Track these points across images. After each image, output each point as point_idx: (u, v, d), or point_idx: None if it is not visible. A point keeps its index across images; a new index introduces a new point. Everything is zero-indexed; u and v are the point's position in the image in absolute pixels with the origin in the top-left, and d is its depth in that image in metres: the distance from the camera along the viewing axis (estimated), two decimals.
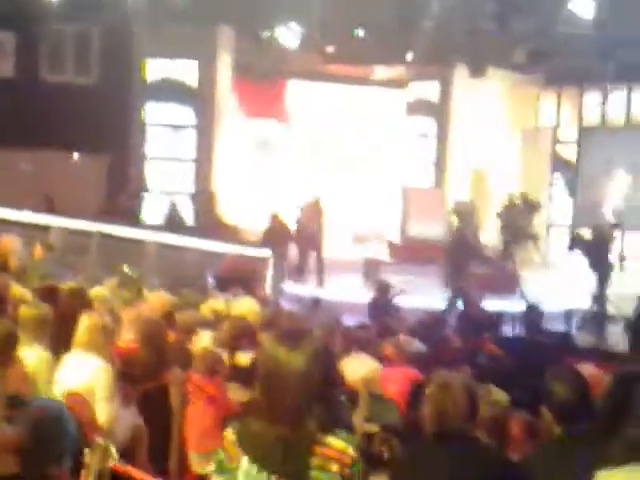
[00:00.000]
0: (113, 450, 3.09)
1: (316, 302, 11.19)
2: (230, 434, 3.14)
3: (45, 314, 5.63)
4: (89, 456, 3.07)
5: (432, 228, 18.76)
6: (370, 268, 16.88)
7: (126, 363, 5.60)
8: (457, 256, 14.71)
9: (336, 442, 3.05)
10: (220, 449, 3.17)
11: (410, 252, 17.50)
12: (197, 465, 5.37)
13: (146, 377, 5.53)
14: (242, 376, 5.82)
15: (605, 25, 14.87)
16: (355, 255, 18.49)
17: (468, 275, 15.12)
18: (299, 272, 15.96)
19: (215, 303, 8.47)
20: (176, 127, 18.89)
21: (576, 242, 16.05)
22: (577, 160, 21.81)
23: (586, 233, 14.82)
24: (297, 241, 15.89)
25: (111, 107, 17.88)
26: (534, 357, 6.87)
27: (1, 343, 4.80)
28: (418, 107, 21.09)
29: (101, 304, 7.09)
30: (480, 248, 16.50)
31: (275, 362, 3.03)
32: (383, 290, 11.87)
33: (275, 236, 15.61)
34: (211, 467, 3.22)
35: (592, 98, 20.53)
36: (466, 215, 17.89)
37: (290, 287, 15.94)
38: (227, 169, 19.34)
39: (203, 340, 6.75)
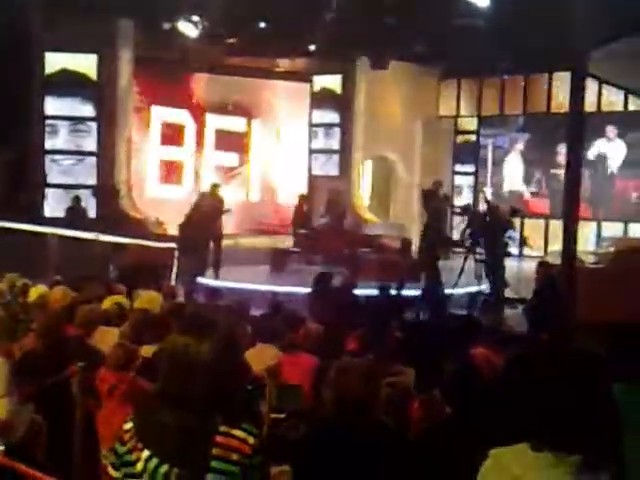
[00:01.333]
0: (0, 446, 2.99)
1: (219, 292, 11.10)
2: (128, 426, 3.08)
3: None
4: None
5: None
6: (277, 258, 16.86)
7: (24, 358, 5.44)
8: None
9: (237, 432, 3.02)
10: (119, 442, 3.10)
11: (316, 241, 17.54)
12: None
13: (45, 372, 5.39)
14: (146, 369, 5.72)
15: (501, 15, 15.15)
16: (261, 245, 18.49)
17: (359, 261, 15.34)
18: (202, 263, 15.77)
19: (118, 297, 8.33)
20: (77, 120, 18.48)
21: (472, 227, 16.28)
22: (476, 149, 22.30)
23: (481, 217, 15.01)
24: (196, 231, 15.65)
25: (10, 101, 17.41)
26: (435, 340, 6.97)
27: None
28: (322, 99, 21.15)
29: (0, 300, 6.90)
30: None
31: (181, 352, 2.99)
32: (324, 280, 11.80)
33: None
34: (111, 460, 3.16)
35: (490, 88, 20.97)
36: (335, 202, 18.08)
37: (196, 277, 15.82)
38: (131, 161, 19.07)
39: (108, 335, 6.62)
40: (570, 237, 7.95)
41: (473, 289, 13.53)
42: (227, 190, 18.42)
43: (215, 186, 16.64)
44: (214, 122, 20.72)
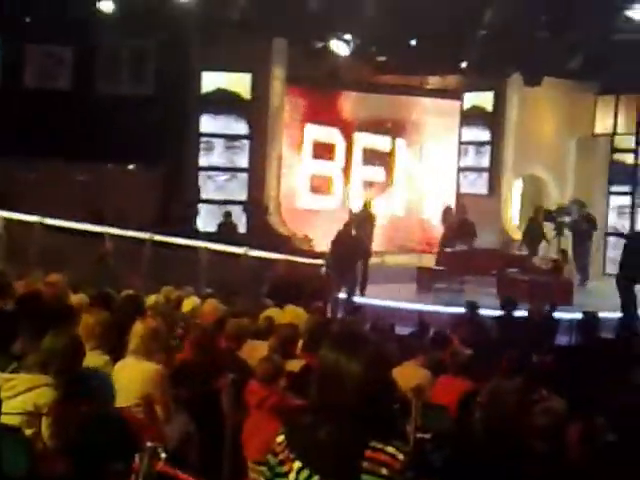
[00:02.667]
0: (162, 453, 3.10)
1: (364, 310, 11.17)
2: (281, 438, 3.13)
3: (106, 320, 5.69)
4: (139, 459, 3.09)
5: (487, 236, 18.64)
6: (423, 276, 16.81)
7: (179, 367, 5.64)
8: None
9: (387, 447, 3.02)
10: (271, 454, 3.16)
11: (464, 261, 17.39)
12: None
13: (197, 382, 5.56)
14: (294, 383, 5.81)
15: None
16: (407, 263, 18.48)
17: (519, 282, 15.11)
18: (351, 280, 15.90)
19: (268, 311, 8.51)
20: (230, 138, 19.04)
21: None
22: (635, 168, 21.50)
23: None
24: (348, 248, 15.83)
25: (166, 118, 18.12)
26: (589, 365, 6.77)
27: (69, 355, 4.70)
28: (473, 116, 20.97)
29: (156, 312, 7.17)
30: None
31: (332, 366, 3.03)
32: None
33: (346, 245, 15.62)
34: (262, 471, 3.22)
35: None
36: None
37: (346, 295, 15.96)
38: (283, 178, 19.44)
39: (257, 348, 6.76)
40: None
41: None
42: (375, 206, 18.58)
43: (368, 201, 16.86)
44: (362, 140, 20.90)
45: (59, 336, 4.72)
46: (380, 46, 18.65)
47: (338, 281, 15.04)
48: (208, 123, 18.96)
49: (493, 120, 20.61)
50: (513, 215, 21.28)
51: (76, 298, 7.54)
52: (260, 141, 18.95)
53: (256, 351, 6.64)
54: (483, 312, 12.71)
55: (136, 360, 5.31)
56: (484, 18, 16.13)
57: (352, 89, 20.58)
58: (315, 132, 20.39)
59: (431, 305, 14.13)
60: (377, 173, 21.24)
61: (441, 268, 17.41)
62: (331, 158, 20.61)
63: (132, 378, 5.15)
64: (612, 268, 20.97)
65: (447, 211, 19.48)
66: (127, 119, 17.41)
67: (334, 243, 15.84)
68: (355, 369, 2.98)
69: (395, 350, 7.53)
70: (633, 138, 21.27)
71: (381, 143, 21.19)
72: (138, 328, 5.45)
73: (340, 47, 17.69)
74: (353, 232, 16.00)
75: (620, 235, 17.17)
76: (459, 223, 18.42)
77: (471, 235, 17.80)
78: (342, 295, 15.11)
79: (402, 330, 10.44)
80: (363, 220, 16.30)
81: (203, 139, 18.99)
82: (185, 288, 10.04)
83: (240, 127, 19.05)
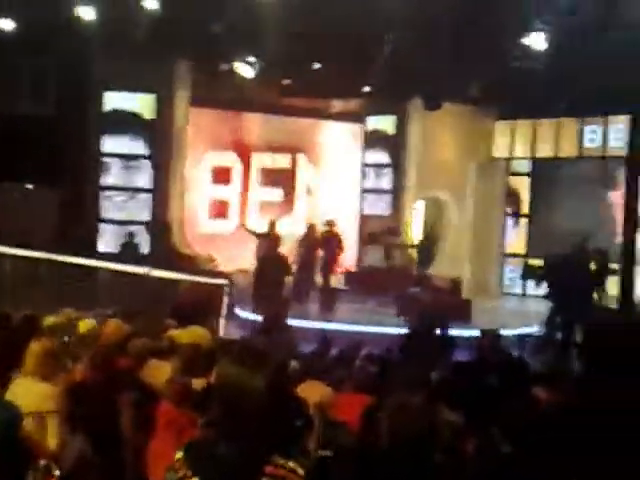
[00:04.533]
0: (56, 471, 3.00)
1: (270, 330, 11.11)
2: (180, 454, 3.07)
3: None
4: (32, 477, 2.97)
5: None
6: (327, 296, 16.87)
7: (75, 388, 5.47)
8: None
9: (288, 462, 2.99)
10: (171, 470, 3.09)
11: (366, 280, 17.54)
12: None
13: (95, 403, 5.40)
14: (197, 402, 5.72)
15: (557, 59, 15.09)
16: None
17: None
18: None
19: (170, 332, 8.35)
20: (132, 158, 18.78)
21: (527, 272, 16.28)
22: (530, 191, 22.12)
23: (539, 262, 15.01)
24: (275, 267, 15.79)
25: (67, 138, 17.78)
26: (487, 380, 6.87)
27: None
28: (375, 139, 21.22)
29: (53, 332, 6.97)
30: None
31: (234, 381, 2.98)
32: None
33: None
34: None
35: (545, 130, 20.80)
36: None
37: (243, 313, 15.94)
38: (184, 199, 19.31)
39: (159, 368, 6.63)
40: None
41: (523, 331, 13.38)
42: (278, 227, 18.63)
43: (273, 222, 16.90)
44: (260, 160, 20.95)
45: None
46: (284, 69, 18.73)
47: (259, 300, 15.03)
48: (109, 143, 18.66)
49: (395, 143, 20.90)
50: (415, 236, 21.58)
51: None
52: (163, 161, 18.76)
53: (158, 371, 6.51)
54: (386, 330, 12.86)
55: (31, 381, 5.14)
56: (386, 43, 16.36)
57: (256, 111, 20.59)
58: (214, 157, 20.41)
59: (334, 323, 14.16)
60: (276, 194, 21.24)
61: (344, 288, 17.51)
62: (228, 181, 20.58)
63: (26, 397, 4.97)
64: (509, 288, 21.59)
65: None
66: (27, 138, 17.02)
67: (261, 261, 15.80)
68: (257, 384, 2.94)
69: (298, 367, 7.49)
70: (529, 162, 21.91)
71: (280, 160, 21.23)
72: (34, 348, 5.29)
73: (245, 69, 17.67)
74: (279, 251, 15.96)
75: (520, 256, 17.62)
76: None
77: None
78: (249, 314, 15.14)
79: (306, 348, 10.44)
80: (270, 240, 16.32)
81: (103, 159, 18.67)
82: (85, 309, 9.82)
83: (139, 147, 18.81)
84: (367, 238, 19.25)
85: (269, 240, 16.47)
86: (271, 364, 3.09)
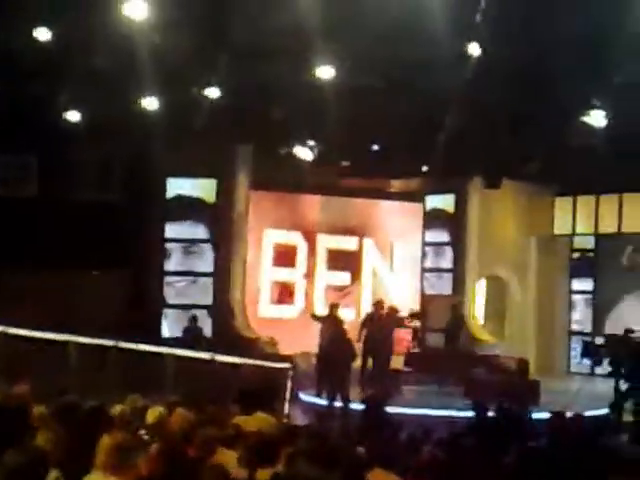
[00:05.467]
0: None
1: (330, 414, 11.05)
2: None
3: (61, 438, 5.53)
4: None
5: None
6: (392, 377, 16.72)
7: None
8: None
9: None
10: None
11: (429, 361, 17.35)
12: None
13: None
14: None
15: (617, 136, 15.04)
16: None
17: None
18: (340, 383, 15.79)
19: (236, 419, 8.33)
20: (193, 242, 19.02)
21: (589, 350, 16.03)
22: (594, 267, 21.80)
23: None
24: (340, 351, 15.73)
25: (131, 225, 18.13)
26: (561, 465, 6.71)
27: (31, 472, 4.51)
28: (434, 218, 21.22)
29: (122, 423, 6.98)
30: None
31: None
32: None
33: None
34: None
35: (607, 206, 20.58)
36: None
37: (307, 397, 15.83)
38: (246, 281, 19.41)
39: (227, 457, 6.59)
40: None
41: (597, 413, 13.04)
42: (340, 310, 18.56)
43: (335, 305, 16.84)
44: (326, 242, 20.99)
45: (19, 453, 4.55)
46: (343, 151, 18.96)
47: (322, 384, 15.02)
48: (172, 229, 18.97)
49: (454, 221, 20.88)
50: (477, 315, 21.35)
51: (37, 410, 7.32)
52: (224, 245, 18.98)
53: (226, 460, 6.47)
54: (453, 413, 12.64)
55: (103, 477, 5.13)
56: (444, 123, 16.48)
57: (316, 193, 20.79)
58: (276, 236, 20.48)
59: (400, 407, 13.97)
60: (342, 277, 21.23)
61: (409, 369, 17.33)
62: (292, 264, 20.61)
63: None
64: (577, 367, 21.10)
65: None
66: (92, 225, 17.39)
67: (328, 343, 15.73)
68: None
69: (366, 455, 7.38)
70: (592, 238, 21.63)
71: (347, 243, 21.27)
72: (105, 442, 5.29)
73: (304, 153, 17.94)
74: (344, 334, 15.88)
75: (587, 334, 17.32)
76: (454, 321, 18.46)
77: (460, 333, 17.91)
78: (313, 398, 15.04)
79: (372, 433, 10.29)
80: (331, 324, 16.26)
81: (166, 245, 18.95)
82: (150, 396, 9.84)
83: (200, 231, 19.06)
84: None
85: (332, 324, 16.38)
86: (346, 460, 3.07)
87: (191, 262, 19.05)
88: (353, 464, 2.92)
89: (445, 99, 14.92)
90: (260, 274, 20.23)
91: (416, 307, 20.62)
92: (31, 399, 7.47)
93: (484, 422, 10.70)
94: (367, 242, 21.46)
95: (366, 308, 20.50)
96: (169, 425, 7.53)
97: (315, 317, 17.39)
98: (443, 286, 21.02)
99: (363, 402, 11.07)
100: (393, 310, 17.47)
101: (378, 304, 17.74)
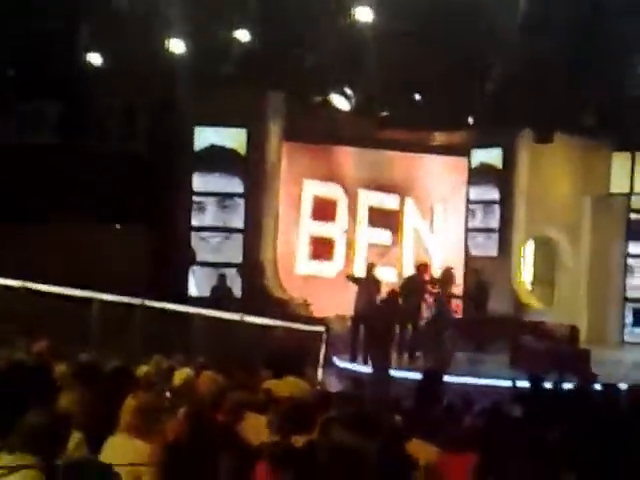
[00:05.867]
0: None
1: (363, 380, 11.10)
2: None
3: (86, 399, 5.63)
4: None
5: (498, 301, 18.59)
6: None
7: (171, 446, 5.55)
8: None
9: None
10: None
11: (475, 327, 17.33)
12: None
13: (192, 462, 5.47)
14: (297, 461, 5.72)
15: None
16: None
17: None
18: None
19: (266, 383, 8.42)
20: (224, 196, 19.09)
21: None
22: None
23: None
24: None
25: (158, 176, 18.20)
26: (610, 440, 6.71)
27: (53, 433, 4.61)
28: (481, 174, 21.07)
29: (148, 384, 7.09)
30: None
31: (349, 449, 3.00)
32: None
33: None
34: None
35: None
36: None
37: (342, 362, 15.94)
38: (280, 239, 19.49)
39: (256, 423, 6.67)
40: None
41: None
42: (381, 269, 18.56)
43: (371, 265, 16.85)
44: (367, 198, 20.96)
45: (42, 413, 4.64)
46: (382, 101, 18.82)
47: (357, 349, 15.21)
48: (201, 181, 19.04)
49: (502, 178, 20.72)
50: (525, 279, 21.26)
51: (60, 369, 7.46)
52: (256, 200, 19.02)
53: (256, 426, 6.54)
54: (498, 383, 12.67)
55: (127, 438, 5.22)
56: (492, 71, 16.30)
57: (353, 145, 20.67)
58: (315, 188, 20.41)
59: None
60: (384, 236, 21.23)
61: (450, 335, 17.32)
62: (332, 218, 20.62)
63: (124, 456, 5.06)
64: (632, 336, 20.98)
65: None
66: (117, 177, 17.49)
67: (364, 306, 15.94)
68: (373, 452, 2.95)
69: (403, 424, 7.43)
70: None
71: (389, 201, 21.21)
72: (129, 404, 5.38)
73: (340, 101, 17.83)
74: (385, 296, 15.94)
75: None
76: (477, 286, 18.45)
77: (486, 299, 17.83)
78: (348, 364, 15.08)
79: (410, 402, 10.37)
80: (368, 286, 16.31)
81: (196, 198, 19.04)
82: (176, 357, 9.97)
83: (234, 185, 19.12)
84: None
85: (369, 285, 16.45)
86: (384, 429, 3.10)
87: (225, 217, 19.12)
88: (391, 433, 2.95)
89: (494, 45, 14.75)
90: (297, 228, 20.14)
91: (460, 269, 20.51)
92: (51, 357, 7.60)
93: (530, 392, 10.69)
94: (408, 201, 21.35)
95: (407, 270, 20.51)
96: (196, 388, 7.64)
97: (351, 278, 17.43)
98: (489, 247, 20.92)
99: (421, 373, 11.13)
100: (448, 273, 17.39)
101: (421, 267, 17.74)
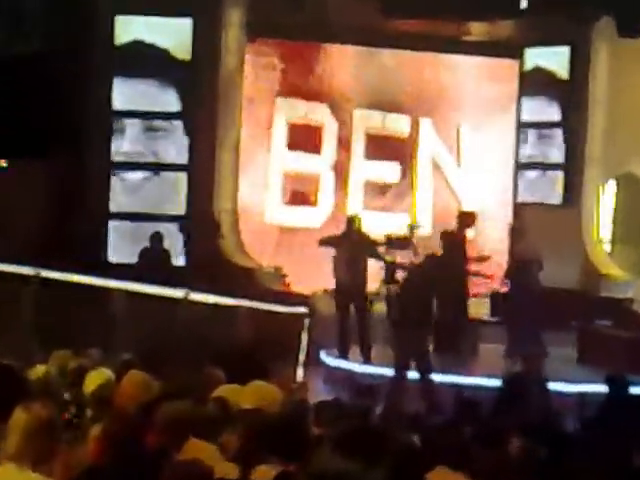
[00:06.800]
0: None
1: (372, 387, 11.22)
2: None
3: None
4: None
5: (562, 270, 18.63)
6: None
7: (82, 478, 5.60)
8: None
9: None
10: None
11: (526, 307, 17.41)
12: None
13: None
14: None
15: None
16: None
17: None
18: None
19: (220, 390, 8.45)
20: (154, 116, 19.07)
21: None
22: None
23: None
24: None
25: (59, 85, 18.10)
26: None
27: None
28: (538, 84, 21.08)
29: (47, 391, 7.11)
30: None
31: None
32: None
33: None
34: None
35: None
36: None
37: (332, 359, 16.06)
38: (242, 180, 19.57)
39: (204, 450, 6.71)
40: None
41: None
42: (382, 220, 18.57)
43: (355, 219, 16.91)
44: (365, 120, 20.96)
45: None
46: None
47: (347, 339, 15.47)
48: (122, 92, 19.00)
49: (569, 90, 20.74)
50: (602, 237, 21.34)
51: None
52: (205, 122, 18.98)
53: (203, 454, 6.58)
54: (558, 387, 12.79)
55: (15, 470, 5.24)
56: None
57: (348, 42, 20.62)
58: (292, 109, 20.42)
59: (477, 377, 14.15)
60: (388, 171, 21.25)
61: (491, 319, 17.47)
62: (317, 149, 20.65)
63: None
64: None
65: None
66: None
67: (348, 275, 16.04)
68: None
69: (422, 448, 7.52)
70: None
71: (395, 125, 21.21)
72: (19, 420, 5.37)
73: None
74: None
75: None
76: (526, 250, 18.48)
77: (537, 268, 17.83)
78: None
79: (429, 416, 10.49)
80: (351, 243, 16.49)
81: (115, 118, 19.05)
82: (90, 353, 10.00)
83: (170, 100, 19.10)
84: None
85: (352, 245, 16.51)
86: (394, 451, 3.14)
87: (154, 145, 19.10)
88: (404, 457, 2.95)
89: None
90: (268, 163, 20.16)
91: (501, 221, 20.58)
92: None
93: (619, 403, 10.79)
94: (424, 123, 21.29)
95: (424, 218, 20.51)
96: (118, 396, 7.67)
97: (326, 242, 17.41)
98: (548, 190, 20.98)
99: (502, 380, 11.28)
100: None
101: (464, 219, 17.80)
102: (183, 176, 19.17)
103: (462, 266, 17.31)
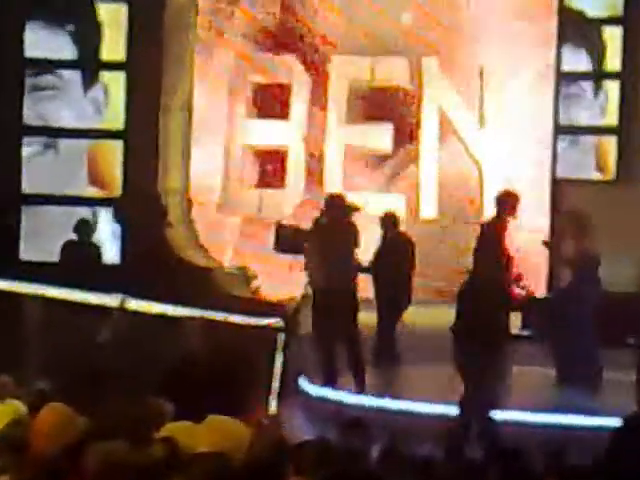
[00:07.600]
0: None
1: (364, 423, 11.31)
2: None
3: None
4: None
5: (617, 266, 18.75)
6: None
7: None
8: None
9: None
10: None
11: (572, 316, 17.54)
12: None
13: None
14: None
15: None
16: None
17: None
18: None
19: (168, 427, 8.51)
20: (63, 66, 19.22)
21: None
22: None
23: None
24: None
25: None
26: None
27: None
28: (580, 20, 21.20)
29: None
30: None
31: None
32: None
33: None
34: None
35: None
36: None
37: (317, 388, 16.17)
38: (195, 153, 19.71)
39: None
40: None
41: None
42: (374, 201, 18.87)
43: (334, 198, 16.96)
44: (346, 70, 21.07)
45: None
46: None
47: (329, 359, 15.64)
48: (35, 40, 19.12)
49: (627, 27, 20.82)
50: None
51: None
52: (143, 75, 19.06)
53: None
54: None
55: None
56: None
57: None
58: (253, 61, 20.63)
59: (508, 411, 14.26)
60: (379, 136, 21.35)
61: (523, 332, 17.57)
62: (284, 114, 20.87)
63: None
64: None
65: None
66: None
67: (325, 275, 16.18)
68: None
69: None
70: None
71: (389, 71, 21.28)
72: None
73: None
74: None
75: None
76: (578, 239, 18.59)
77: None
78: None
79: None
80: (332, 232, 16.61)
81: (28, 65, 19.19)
82: None
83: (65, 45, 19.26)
84: None
85: (330, 237, 16.58)
86: None
87: (88, 106, 19.29)
88: None
89: None
90: (224, 133, 20.31)
91: (544, 207, 20.69)
92: None
93: None
94: (429, 65, 21.32)
95: (430, 197, 20.60)
96: (33, 437, 7.71)
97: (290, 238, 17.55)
98: (594, 162, 21.10)
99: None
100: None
101: (506, 201, 17.83)
102: (118, 145, 19.24)
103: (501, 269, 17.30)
